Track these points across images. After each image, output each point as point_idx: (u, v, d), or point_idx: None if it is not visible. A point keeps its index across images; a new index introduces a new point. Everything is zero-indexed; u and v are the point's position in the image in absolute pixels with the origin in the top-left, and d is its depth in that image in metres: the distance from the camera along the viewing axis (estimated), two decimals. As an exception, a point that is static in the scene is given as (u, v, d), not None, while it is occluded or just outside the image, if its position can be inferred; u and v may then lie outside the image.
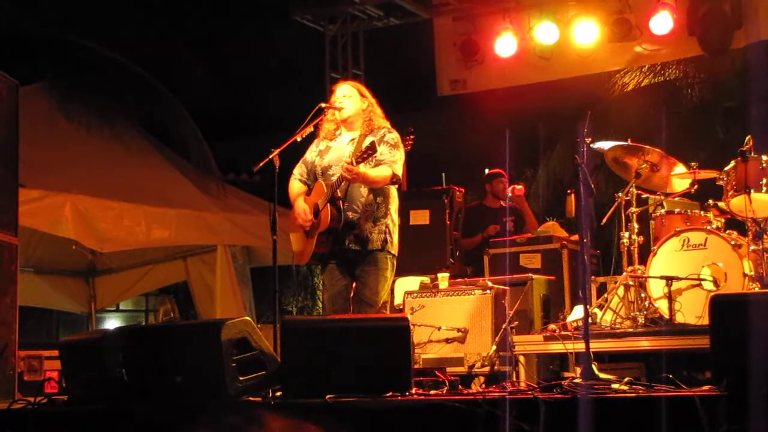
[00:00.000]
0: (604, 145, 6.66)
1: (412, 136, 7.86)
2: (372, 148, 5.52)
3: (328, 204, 5.70)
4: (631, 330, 6.12)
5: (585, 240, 5.00)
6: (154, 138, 9.95)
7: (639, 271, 6.37)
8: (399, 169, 5.80)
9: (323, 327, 4.71)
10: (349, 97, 5.93)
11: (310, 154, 6.04)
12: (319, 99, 6.04)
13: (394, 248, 5.87)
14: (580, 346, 4.95)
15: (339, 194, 5.72)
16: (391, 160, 5.77)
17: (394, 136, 5.86)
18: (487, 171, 9.01)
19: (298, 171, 6.07)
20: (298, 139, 5.82)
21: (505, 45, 9.43)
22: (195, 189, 9.33)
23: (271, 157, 5.64)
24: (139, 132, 9.88)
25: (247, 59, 10.71)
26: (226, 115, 10.65)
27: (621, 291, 6.39)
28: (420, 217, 8.02)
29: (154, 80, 10.05)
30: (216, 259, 9.11)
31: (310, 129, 5.84)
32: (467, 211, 8.46)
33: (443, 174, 8.55)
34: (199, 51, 10.81)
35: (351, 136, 5.93)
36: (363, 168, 5.61)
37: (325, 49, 10.24)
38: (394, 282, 7.19)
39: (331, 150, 5.95)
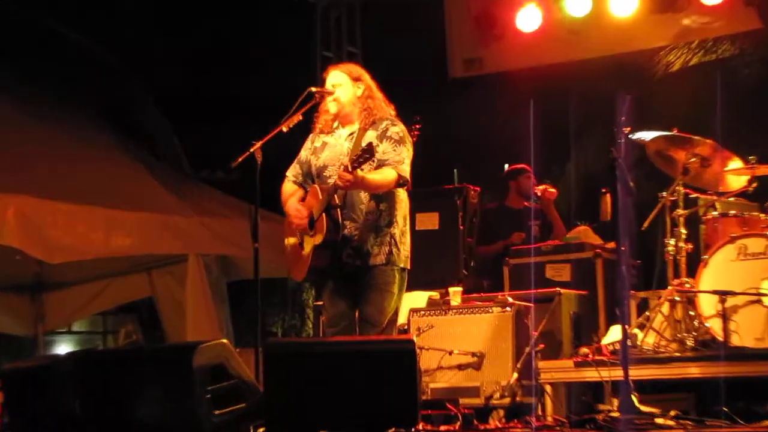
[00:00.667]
0: (646, 135, 6.69)
1: (418, 126, 7.85)
2: (368, 151, 5.50)
3: (324, 213, 5.73)
4: (677, 354, 6.14)
5: (623, 248, 5.08)
6: (115, 128, 9.97)
7: (687, 285, 6.38)
8: (406, 169, 5.82)
9: (313, 351, 4.73)
10: (339, 86, 5.93)
11: (305, 152, 6.06)
12: (309, 82, 6.04)
13: (402, 260, 5.88)
14: (617, 374, 4.97)
15: (336, 201, 5.74)
16: (396, 159, 5.78)
17: (398, 129, 5.87)
18: (507, 166, 9.02)
19: (292, 172, 6.10)
20: (284, 129, 5.80)
21: (528, 17, 9.43)
22: (162, 188, 9.32)
23: (252, 150, 5.64)
24: (98, 122, 9.90)
25: (223, 34, 10.67)
26: (198, 101, 10.57)
27: (666, 308, 6.40)
28: (427, 221, 8.04)
29: (115, 61, 10.12)
30: (187, 271, 9.10)
31: (298, 118, 5.84)
32: (484, 214, 8.48)
33: (455, 170, 8.57)
34: (164, 25, 10.76)
35: (349, 130, 5.95)
36: (361, 172, 5.59)
37: (316, 22, 10.22)
38: None
39: (328, 147, 5.97)
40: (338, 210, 5.74)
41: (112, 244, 8.57)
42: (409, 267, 5.93)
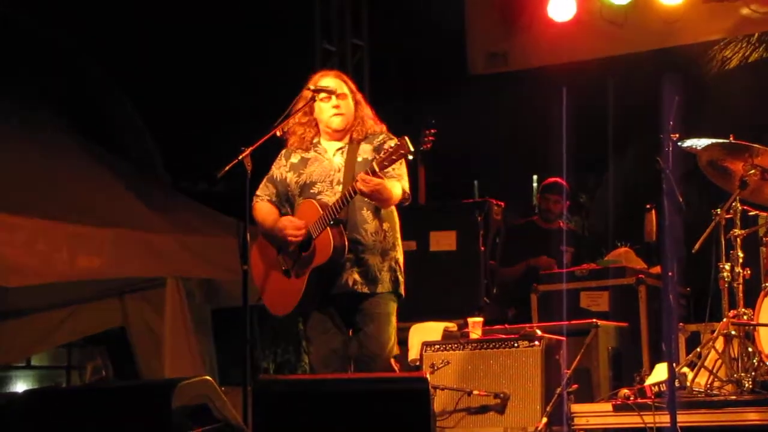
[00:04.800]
0: (698, 143, 6.67)
1: (432, 131, 8.11)
2: (404, 147, 5.55)
3: (329, 229, 5.76)
4: (733, 398, 6.10)
5: (670, 273, 5.09)
6: (80, 130, 9.97)
7: (745, 317, 6.36)
8: (407, 186, 5.98)
9: (310, 391, 4.74)
10: (344, 98, 6.03)
11: (280, 170, 6.13)
12: (307, 78, 6.08)
13: (404, 289, 6.04)
14: (663, 420, 4.96)
15: (340, 217, 5.80)
16: (399, 173, 5.91)
17: (396, 144, 5.85)
18: (536, 178, 9.07)
19: (265, 192, 6.16)
20: (278, 133, 5.90)
21: (561, 6, 9.45)
22: (136, 201, 9.33)
23: (240, 158, 5.65)
24: (60, 122, 9.90)
25: (209, 25, 10.67)
26: (179, 101, 10.64)
27: (720, 344, 6.37)
28: (444, 241, 8.10)
29: (79, 50, 10.17)
30: (165, 297, 9.13)
31: (293, 121, 5.96)
32: (509, 233, 8.55)
33: (475, 182, 8.87)
34: (139, 14, 10.75)
35: (336, 145, 6.06)
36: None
37: (316, 10, 10.22)
38: (407, 330, 7.32)
39: (312, 162, 6.05)
40: (342, 227, 5.79)
41: (77, 266, 8.56)
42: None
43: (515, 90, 10.19)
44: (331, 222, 5.75)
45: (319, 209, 5.83)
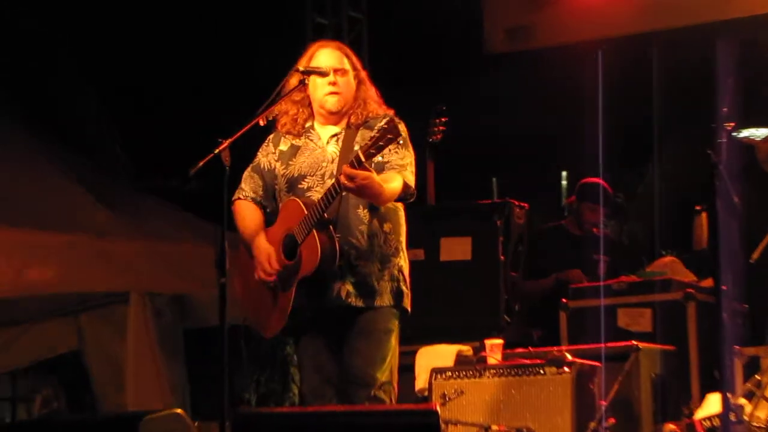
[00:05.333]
0: (757, 133, 6.70)
1: (443, 119, 8.10)
2: (392, 130, 5.47)
3: (315, 231, 5.72)
4: (799, 434, 6.11)
5: (725, 287, 5.07)
6: (26, 116, 9.94)
7: (812, 339, 6.36)
8: (412, 178, 5.92)
9: (298, 426, 4.72)
10: (343, 75, 6.00)
11: (267, 158, 6.14)
12: (295, 57, 6.06)
13: (409, 304, 5.99)
14: (717, 459, 4.95)
15: (327, 217, 5.76)
16: (400, 163, 5.87)
17: (400, 128, 5.79)
18: (565, 175, 9.05)
19: (250, 186, 6.17)
20: (261, 123, 5.86)
21: (598, -32, 9.42)
22: (95, 201, 9.32)
23: (218, 151, 5.60)
24: (9, 113, 9.88)
25: None
26: (147, 83, 10.64)
27: (783, 370, 6.38)
28: (457, 249, 8.10)
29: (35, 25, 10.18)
30: (128, 315, 9.10)
31: (279, 108, 5.97)
32: (534, 239, 8.57)
33: (494, 179, 8.90)
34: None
35: (332, 131, 6.04)
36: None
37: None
38: (413, 354, 7.39)
39: (302, 151, 6.04)
40: (331, 229, 5.75)
41: (25, 279, 8.56)
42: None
43: (541, 71, 10.13)
44: (317, 224, 5.71)
45: (304, 209, 5.80)
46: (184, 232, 9.53)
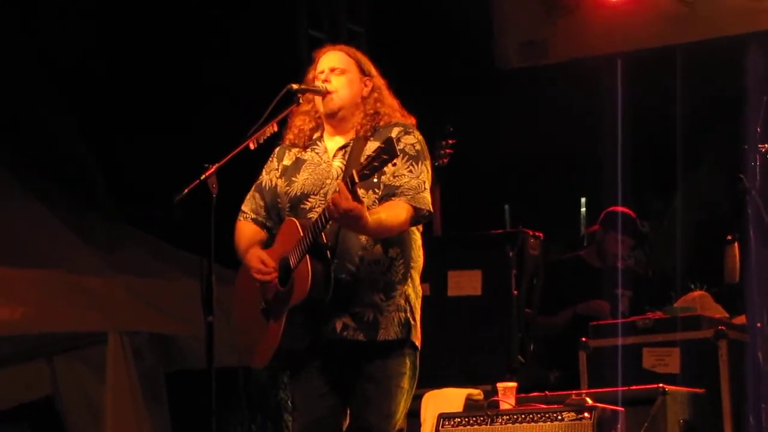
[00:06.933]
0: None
1: (450, 141, 8.17)
2: (387, 150, 5.31)
3: (308, 257, 5.57)
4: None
5: (759, 324, 5.00)
6: (1, 148, 9.98)
7: None
8: (427, 198, 5.76)
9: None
10: (341, 74, 5.88)
11: (269, 175, 6.06)
12: (288, 75, 5.98)
13: (419, 338, 5.82)
14: None
15: (325, 241, 5.64)
16: (413, 185, 5.72)
17: (415, 139, 5.82)
18: (584, 201, 9.19)
19: (250, 206, 6.10)
20: (252, 146, 5.79)
21: (616, -20, 9.60)
22: (70, 234, 9.38)
23: (204, 177, 5.63)
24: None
25: (167, 7, 10.75)
26: (128, 102, 10.65)
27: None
28: (466, 284, 8.12)
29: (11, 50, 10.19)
30: (106, 357, 9.11)
31: (272, 129, 5.84)
32: (550, 272, 8.57)
33: (506, 207, 8.87)
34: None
35: (339, 143, 5.92)
36: (368, 200, 5.56)
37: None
38: (419, 398, 7.29)
39: (306, 167, 5.93)
40: (328, 254, 5.58)
41: (-7, 319, 8.53)
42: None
43: (557, 88, 10.22)
44: (312, 248, 5.55)
45: (300, 230, 5.64)
46: (167, 266, 9.67)
